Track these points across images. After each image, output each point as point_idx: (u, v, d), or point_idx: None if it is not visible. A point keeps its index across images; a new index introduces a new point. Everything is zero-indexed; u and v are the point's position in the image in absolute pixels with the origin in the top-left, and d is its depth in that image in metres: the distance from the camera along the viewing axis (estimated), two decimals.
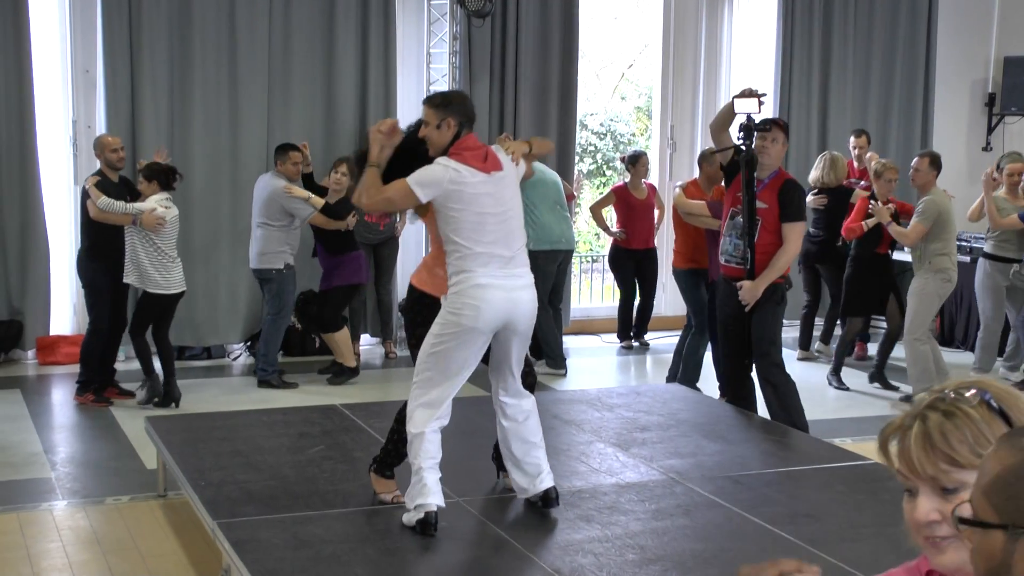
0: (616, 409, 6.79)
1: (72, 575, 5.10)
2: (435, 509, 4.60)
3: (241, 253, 9.69)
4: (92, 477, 6.53)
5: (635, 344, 10.72)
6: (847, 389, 8.99)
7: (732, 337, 6.87)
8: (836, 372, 9.17)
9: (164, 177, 7.97)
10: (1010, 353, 9.61)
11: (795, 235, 6.72)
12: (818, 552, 4.44)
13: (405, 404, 4.78)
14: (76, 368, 9.08)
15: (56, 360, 9.43)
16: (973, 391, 1.76)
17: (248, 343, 10.02)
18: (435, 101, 4.84)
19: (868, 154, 10.12)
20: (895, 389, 8.97)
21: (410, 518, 4.65)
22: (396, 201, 4.82)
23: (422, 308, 4.89)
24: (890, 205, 8.79)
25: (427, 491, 4.59)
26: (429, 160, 4.75)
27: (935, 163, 8.50)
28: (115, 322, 8.23)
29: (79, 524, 5.74)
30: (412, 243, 10.64)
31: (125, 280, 7.95)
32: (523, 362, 4.91)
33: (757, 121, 6.67)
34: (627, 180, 10.58)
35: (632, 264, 10.54)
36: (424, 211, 4.90)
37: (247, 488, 5.15)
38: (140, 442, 6.94)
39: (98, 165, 9.38)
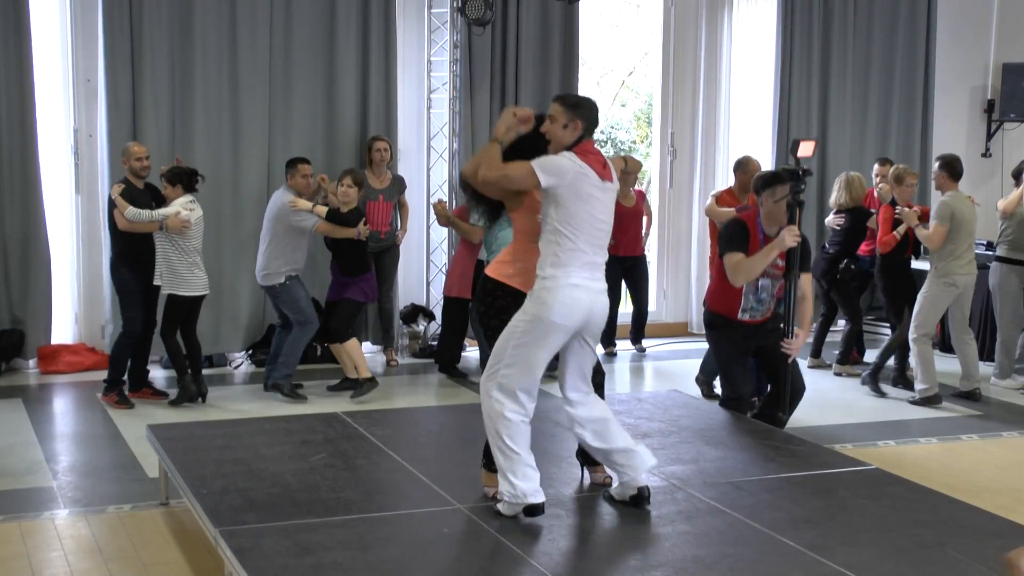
0: (617, 415, 6.72)
1: None
2: (540, 503, 4.79)
3: (242, 262, 9.71)
4: (94, 486, 6.53)
5: (615, 351, 10.70)
6: (883, 395, 9.05)
7: (746, 373, 6.96)
8: (874, 375, 9.21)
9: (187, 179, 8.27)
10: (1021, 355, 9.62)
11: (810, 285, 6.88)
12: (819, 558, 4.44)
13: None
14: (78, 377, 9.13)
15: (57, 369, 9.43)
16: None
17: (250, 351, 10.03)
18: (568, 101, 4.96)
19: (880, 184, 9.98)
20: (884, 395, 9.01)
21: (510, 509, 4.82)
22: (514, 179, 4.84)
23: (496, 300, 5.02)
24: (915, 208, 8.89)
25: (528, 490, 4.77)
26: (542, 155, 4.86)
27: (944, 167, 8.79)
28: (147, 324, 8.41)
29: (81, 533, 5.74)
30: (414, 251, 10.65)
31: (156, 283, 8.21)
32: (593, 363, 5.06)
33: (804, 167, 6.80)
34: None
35: (619, 271, 10.52)
36: (519, 203, 5.00)
37: (249, 496, 5.15)
38: (142, 450, 6.95)
39: (102, 174, 9.44)
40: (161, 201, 8.30)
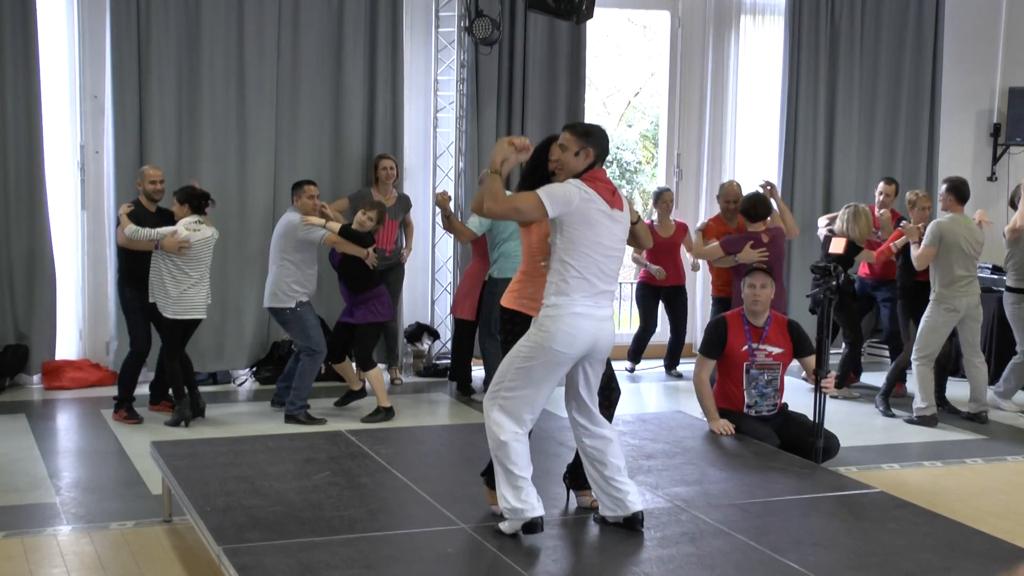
0: (622, 436, 6.76)
1: None
2: (539, 517, 4.83)
3: (247, 280, 9.73)
4: (97, 502, 6.52)
5: (635, 369, 10.74)
6: (892, 415, 9.09)
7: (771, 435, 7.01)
8: (885, 396, 9.28)
9: (196, 201, 8.27)
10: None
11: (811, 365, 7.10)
12: None
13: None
14: (82, 393, 9.14)
15: (62, 385, 9.43)
16: None
17: (254, 368, 10.02)
18: (578, 130, 4.99)
19: (883, 210, 10.01)
20: (892, 416, 9.03)
21: (510, 527, 4.85)
22: (523, 211, 4.86)
23: (514, 327, 5.08)
24: (920, 225, 8.93)
25: (528, 507, 4.81)
26: (546, 183, 4.90)
27: (951, 189, 8.89)
28: (151, 342, 8.49)
29: (84, 549, 5.73)
30: (419, 270, 10.65)
31: (151, 299, 8.21)
32: (599, 384, 5.07)
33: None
34: (653, 218, 10.58)
35: (657, 300, 10.57)
36: (528, 226, 5.05)
37: (253, 514, 5.15)
38: (145, 467, 6.94)
39: (108, 191, 9.45)
40: (172, 223, 8.26)
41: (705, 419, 7.19)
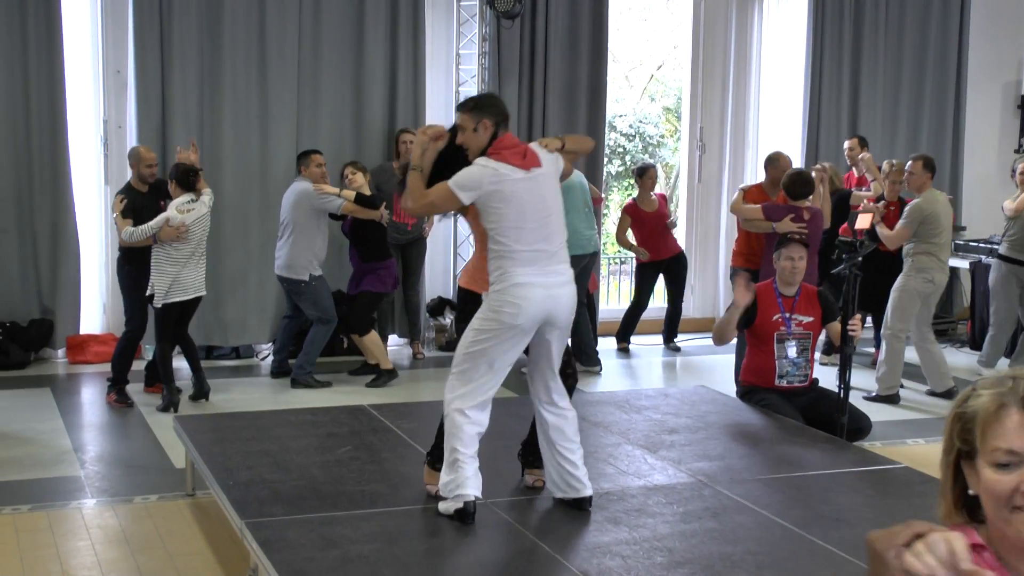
0: (644, 411, 6.77)
1: (101, 573, 5.11)
2: (473, 499, 4.69)
3: (269, 254, 9.71)
4: (121, 476, 6.55)
5: (629, 346, 10.69)
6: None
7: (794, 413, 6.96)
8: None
9: (184, 178, 7.98)
10: (1018, 353, 9.67)
11: (837, 331, 6.99)
12: (848, 556, 4.41)
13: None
14: (105, 367, 9.16)
15: (86, 359, 9.48)
16: None
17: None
18: (468, 105, 4.94)
19: (861, 155, 10.04)
20: (901, 386, 8.97)
21: (447, 507, 4.75)
22: (439, 205, 4.90)
23: (466, 305, 5.04)
24: (879, 205, 8.86)
25: (466, 482, 4.68)
26: (469, 163, 4.83)
27: (928, 165, 8.72)
28: (147, 320, 8.31)
29: (108, 523, 5.76)
30: (440, 244, 10.64)
31: (148, 292, 7.92)
32: (561, 358, 4.98)
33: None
34: (635, 195, 10.56)
35: (655, 274, 10.56)
36: (466, 211, 4.99)
37: (275, 488, 5.16)
38: (169, 441, 6.97)
39: (128, 171, 9.43)
40: (168, 197, 8.08)
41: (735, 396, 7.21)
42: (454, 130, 4.97)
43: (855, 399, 7.35)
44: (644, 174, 10.53)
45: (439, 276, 10.79)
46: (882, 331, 8.81)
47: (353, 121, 10.14)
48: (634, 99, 18.31)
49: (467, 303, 5.05)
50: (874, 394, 8.69)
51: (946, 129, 11.98)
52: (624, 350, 10.62)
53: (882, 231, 8.67)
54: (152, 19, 9.38)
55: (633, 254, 10.68)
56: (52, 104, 9.31)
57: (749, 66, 11.60)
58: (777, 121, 11.66)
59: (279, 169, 9.85)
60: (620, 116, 17.37)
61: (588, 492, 4.97)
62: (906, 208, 8.71)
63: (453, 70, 10.64)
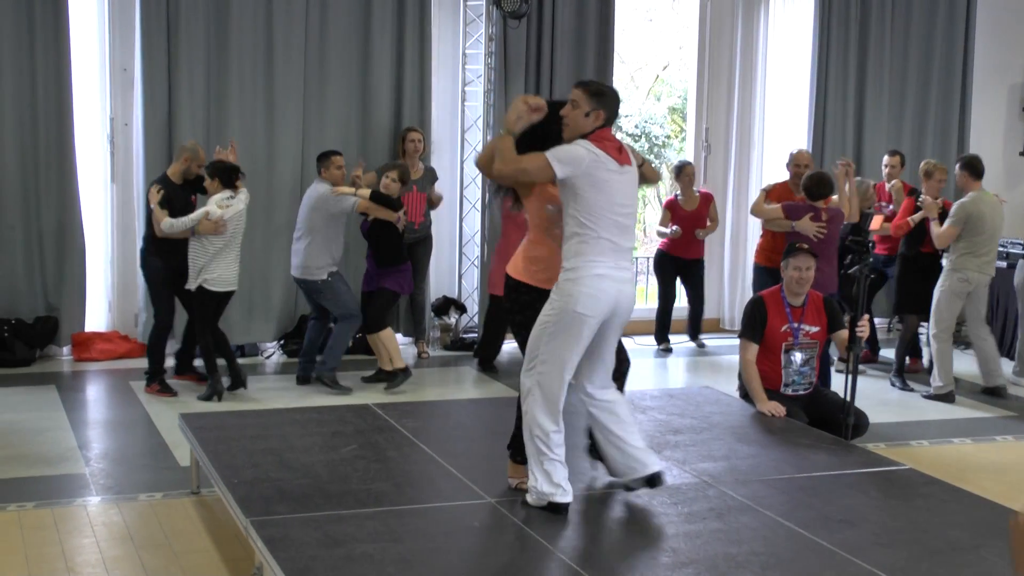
0: (649, 411, 6.77)
1: (105, 571, 5.12)
2: (565, 503, 4.84)
3: (274, 253, 9.74)
4: (126, 473, 6.56)
5: (671, 347, 10.69)
6: (911, 390, 9.06)
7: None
8: (899, 373, 9.25)
9: (226, 175, 8.25)
10: None
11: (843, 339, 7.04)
12: (852, 558, 4.41)
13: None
14: (111, 364, 9.19)
15: (91, 356, 9.49)
16: None
17: (282, 341, 10.05)
18: (592, 88, 4.92)
19: (894, 181, 9.99)
20: (912, 390, 9.05)
21: (539, 501, 4.86)
22: (531, 172, 4.81)
23: (519, 296, 5.04)
24: (938, 201, 8.90)
25: (559, 490, 4.83)
26: (557, 143, 4.82)
27: (965, 166, 8.81)
28: (174, 313, 8.52)
29: (112, 520, 5.77)
30: (446, 243, 10.64)
31: (188, 286, 8.20)
32: (616, 351, 5.04)
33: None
34: (677, 193, 10.62)
35: (675, 270, 10.57)
36: (529, 191, 4.98)
37: (280, 486, 5.16)
38: (174, 439, 6.97)
39: (138, 163, 9.45)
40: (202, 191, 8.39)
41: (738, 397, 7.20)
42: (552, 107, 4.96)
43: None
44: (680, 172, 10.60)
45: (444, 276, 10.79)
46: (929, 332, 8.89)
47: (359, 120, 10.14)
48: (640, 99, 18.29)
49: (517, 293, 5.05)
50: (931, 393, 8.83)
51: (951, 131, 11.97)
52: (667, 351, 10.64)
53: (935, 229, 8.78)
54: (159, 17, 9.38)
55: (645, 252, 10.70)
56: (59, 102, 9.31)
57: (755, 67, 11.59)
58: (783, 122, 11.64)
59: (285, 167, 9.86)
60: (626, 116, 17.34)
61: (657, 467, 5.03)
62: (951, 208, 8.76)
63: (459, 70, 10.64)
